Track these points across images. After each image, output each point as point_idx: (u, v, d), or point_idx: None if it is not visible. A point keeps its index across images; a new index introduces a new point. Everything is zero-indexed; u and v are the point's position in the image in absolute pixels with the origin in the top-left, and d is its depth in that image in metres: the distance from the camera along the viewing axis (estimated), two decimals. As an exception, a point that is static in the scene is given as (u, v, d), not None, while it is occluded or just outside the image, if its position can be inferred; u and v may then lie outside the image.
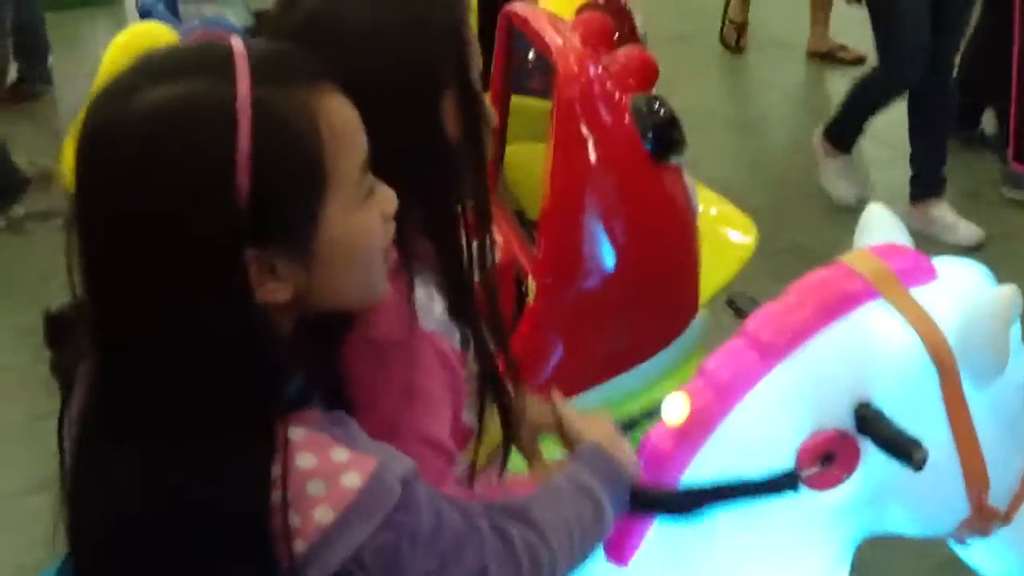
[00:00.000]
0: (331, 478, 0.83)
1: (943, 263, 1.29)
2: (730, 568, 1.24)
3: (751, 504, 1.19)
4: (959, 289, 1.25)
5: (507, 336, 1.25)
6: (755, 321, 1.27)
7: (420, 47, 1.08)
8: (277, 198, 0.82)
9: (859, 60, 4.57)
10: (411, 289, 1.05)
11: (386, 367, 1.01)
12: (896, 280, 1.25)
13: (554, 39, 2.13)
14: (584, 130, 2.03)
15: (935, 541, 1.37)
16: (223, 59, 0.83)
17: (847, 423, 1.20)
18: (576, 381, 2.08)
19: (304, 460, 0.83)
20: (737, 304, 1.40)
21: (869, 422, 1.19)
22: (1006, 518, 1.28)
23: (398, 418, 0.99)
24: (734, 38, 4.75)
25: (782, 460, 1.20)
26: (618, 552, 1.25)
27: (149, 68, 0.84)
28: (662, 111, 2.07)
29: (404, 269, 1.05)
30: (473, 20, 1.28)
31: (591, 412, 1.28)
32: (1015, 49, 3.42)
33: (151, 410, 0.82)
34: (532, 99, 2.55)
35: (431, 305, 1.07)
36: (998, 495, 1.27)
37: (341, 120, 0.87)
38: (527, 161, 2.41)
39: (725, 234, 2.35)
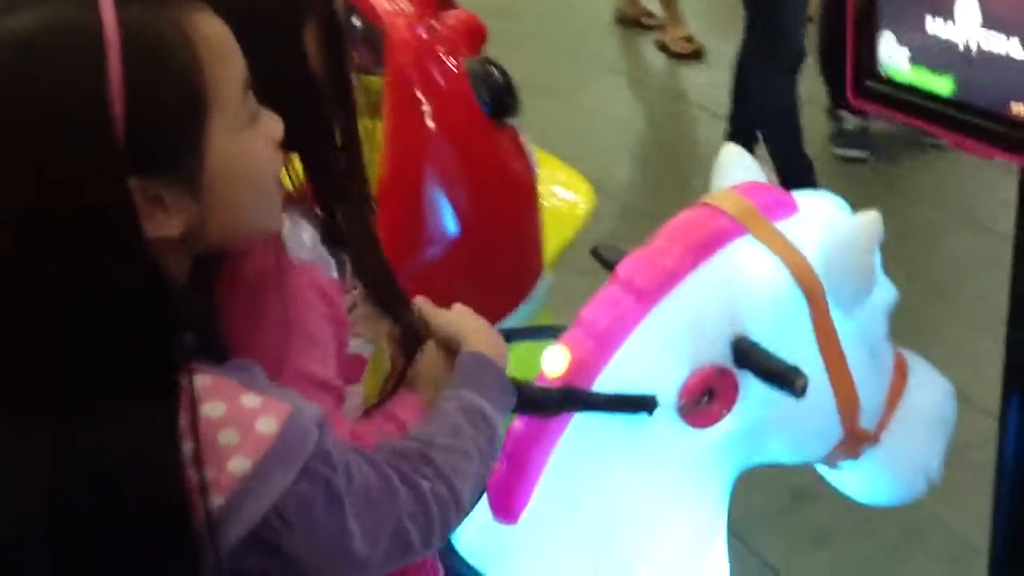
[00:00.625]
0: (244, 425, 0.78)
1: (802, 196, 1.32)
2: (618, 512, 1.24)
3: (613, 415, 1.20)
4: (821, 220, 1.29)
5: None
6: (627, 267, 1.27)
7: None
8: (157, 123, 0.77)
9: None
10: None
11: (259, 302, 0.95)
12: (760, 215, 1.27)
13: (381, 5, 2.08)
14: (420, 96, 1.99)
15: (788, 468, 1.41)
16: None
17: (725, 359, 1.22)
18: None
19: (213, 408, 0.78)
20: (602, 254, 1.40)
21: (748, 354, 1.20)
22: (875, 439, 1.32)
23: (278, 357, 0.93)
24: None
25: (665, 401, 1.21)
26: (506, 510, 1.24)
27: None
28: (497, 73, 2.05)
29: None
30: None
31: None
32: None
33: (45, 377, 0.75)
34: (359, 75, 2.49)
35: (299, 233, 1.02)
36: (866, 417, 1.31)
37: (217, 38, 0.81)
38: (368, 137, 2.36)
39: (564, 196, 2.35)
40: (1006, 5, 1.27)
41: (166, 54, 0.77)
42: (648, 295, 1.23)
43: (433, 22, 2.09)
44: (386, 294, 1.09)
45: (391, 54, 2.00)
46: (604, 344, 1.23)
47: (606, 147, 3.97)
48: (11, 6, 0.76)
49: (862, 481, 1.40)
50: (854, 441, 1.30)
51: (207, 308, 0.89)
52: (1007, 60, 1.28)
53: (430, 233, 2.05)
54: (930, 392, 1.37)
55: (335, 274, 1.04)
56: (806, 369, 1.21)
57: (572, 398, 1.20)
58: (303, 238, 1.01)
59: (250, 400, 0.79)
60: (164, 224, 0.79)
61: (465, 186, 2.06)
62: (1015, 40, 1.26)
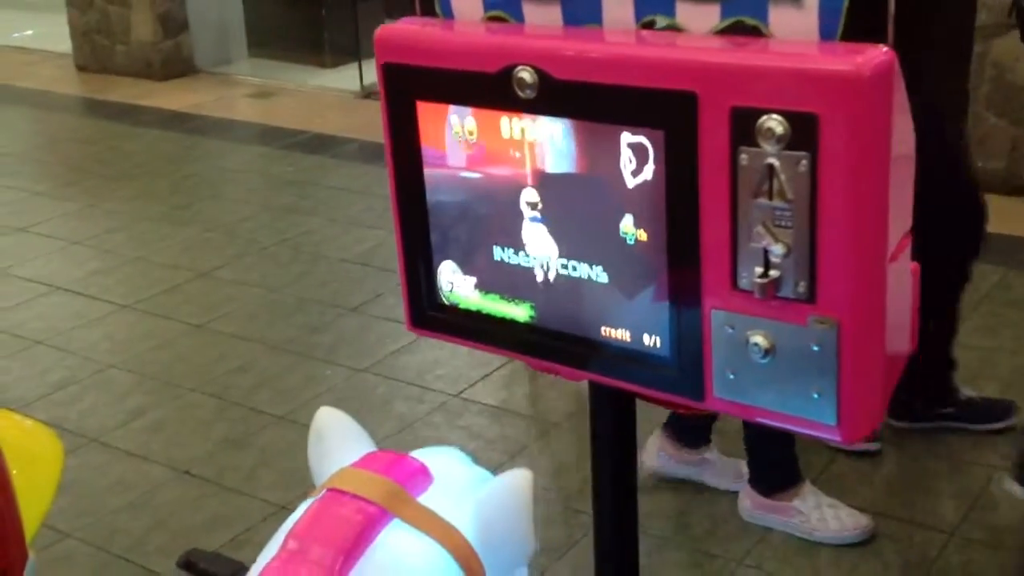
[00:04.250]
0: None
1: (426, 458, 1.20)
2: None
3: None
4: (461, 485, 1.18)
5: None
6: (263, 588, 1.06)
7: None
8: None
9: None
10: None
11: None
12: (403, 493, 1.13)
13: None
14: None
15: None
16: None
17: (406, 671, 1.05)
18: None
19: None
20: (200, 565, 1.15)
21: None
22: None
23: None
24: None
25: None
26: None
27: None
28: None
29: None
30: None
31: None
32: None
33: None
34: None
35: None
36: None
37: None
38: None
39: (33, 455, 1.98)
40: (580, 234, 1.28)
41: None
42: (303, 620, 1.03)
43: None
44: None
45: None
46: None
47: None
48: None
49: None
50: None
51: None
52: (591, 285, 1.29)
53: None
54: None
55: None
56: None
57: None
58: None
59: None
60: None
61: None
62: (598, 268, 1.28)
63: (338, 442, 1.21)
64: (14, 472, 1.80)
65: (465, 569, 1.12)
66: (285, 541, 1.09)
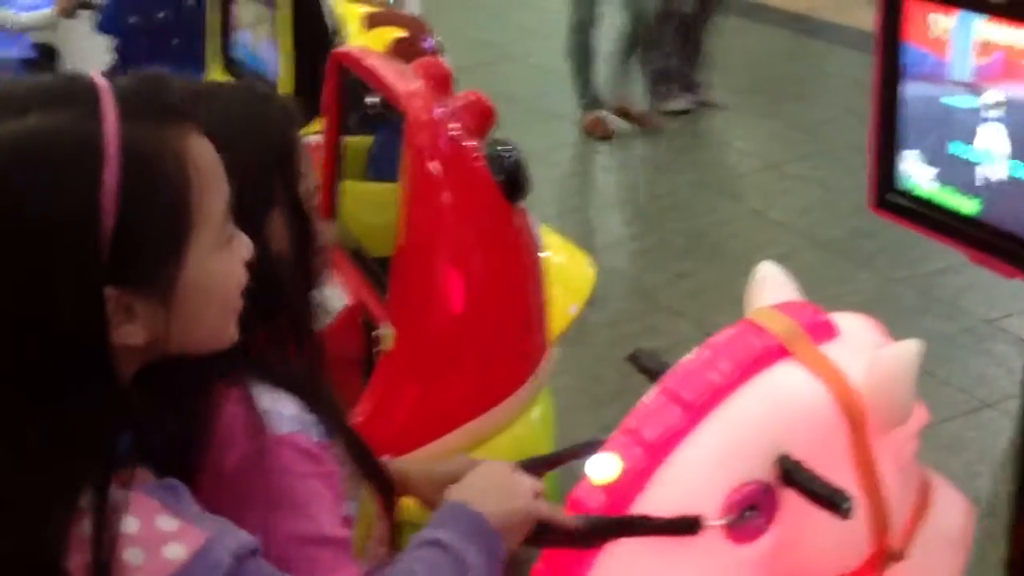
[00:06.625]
0: (152, 547, 0.79)
1: (840, 318, 1.37)
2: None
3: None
4: (862, 344, 1.33)
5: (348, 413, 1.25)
6: (674, 379, 1.31)
7: (246, 158, 1.02)
8: (142, 238, 0.80)
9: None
10: (252, 406, 1.02)
11: (241, 491, 0.98)
12: (805, 337, 1.31)
13: (398, 83, 2.11)
14: (439, 175, 2.02)
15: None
16: (87, 92, 0.80)
17: (769, 475, 1.26)
18: (436, 426, 2.07)
19: (126, 524, 0.79)
20: (641, 360, 1.43)
21: (794, 474, 1.24)
22: (900, 556, 1.36)
23: (264, 530, 0.95)
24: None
25: (710, 515, 1.24)
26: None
27: (6, 98, 0.80)
28: (512, 155, 2.10)
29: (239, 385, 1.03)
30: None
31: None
32: None
33: None
34: (351, 138, 2.52)
35: (279, 407, 1.05)
36: (894, 532, 1.35)
37: (207, 161, 0.85)
38: (358, 199, 2.39)
39: (568, 272, 2.39)
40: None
41: (161, 173, 0.80)
42: (696, 409, 1.27)
43: (447, 103, 2.13)
44: (357, 451, 1.13)
45: (411, 133, 2.03)
46: (653, 454, 1.26)
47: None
48: (21, 108, 0.78)
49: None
50: (882, 557, 1.34)
51: (154, 413, 0.89)
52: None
53: (445, 309, 2.08)
54: (953, 511, 1.41)
55: (314, 435, 1.06)
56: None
57: (614, 527, 1.22)
58: (284, 413, 1.03)
59: (165, 523, 0.80)
60: (130, 333, 0.81)
61: (480, 264, 2.09)
62: (1047, 172, 1.34)
63: (769, 287, 1.41)
64: (550, 279, 2.22)
65: (846, 416, 1.28)
66: (701, 350, 1.33)
